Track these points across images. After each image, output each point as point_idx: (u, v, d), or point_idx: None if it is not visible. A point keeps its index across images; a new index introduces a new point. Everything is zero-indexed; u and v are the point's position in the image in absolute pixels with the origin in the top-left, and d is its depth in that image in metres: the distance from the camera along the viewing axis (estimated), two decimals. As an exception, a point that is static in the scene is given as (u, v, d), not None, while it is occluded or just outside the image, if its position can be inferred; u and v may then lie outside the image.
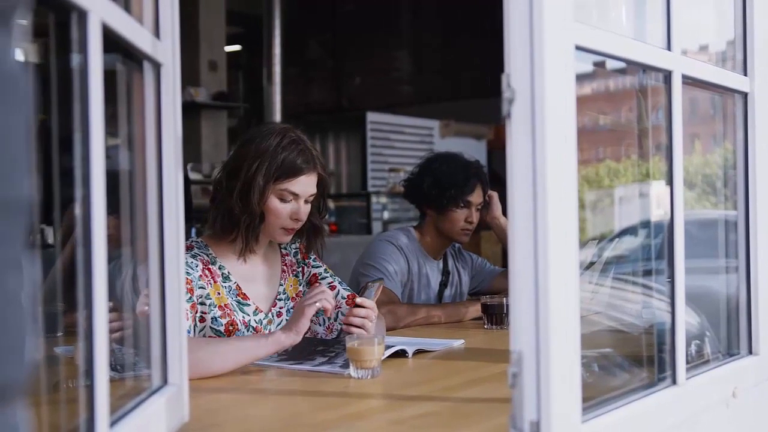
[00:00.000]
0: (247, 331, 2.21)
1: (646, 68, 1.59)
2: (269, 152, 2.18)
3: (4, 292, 0.54)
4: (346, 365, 1.93)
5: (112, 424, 1.08)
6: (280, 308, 2.33)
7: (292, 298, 2.37)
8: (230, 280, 2.24)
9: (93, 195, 1.01)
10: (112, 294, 1.07)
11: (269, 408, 1.71)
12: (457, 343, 2.38)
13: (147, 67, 1.35)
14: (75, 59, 1.02)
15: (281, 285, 2.36)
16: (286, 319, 2.30)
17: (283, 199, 2.21)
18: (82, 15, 1.00)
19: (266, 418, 1.64)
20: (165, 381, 1.38)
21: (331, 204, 7.91)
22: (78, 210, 1.01)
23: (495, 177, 5.74)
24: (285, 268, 2.39)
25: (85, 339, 1.01)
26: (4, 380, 0.56)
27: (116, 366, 1.36)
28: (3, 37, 0.55)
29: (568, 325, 1.22)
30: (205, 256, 2.22)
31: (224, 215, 2.22)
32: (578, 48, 1.27)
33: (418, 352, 2.21)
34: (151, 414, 1.26)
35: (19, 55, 0.59)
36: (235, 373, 1.94)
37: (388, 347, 2.05)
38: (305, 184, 2.23)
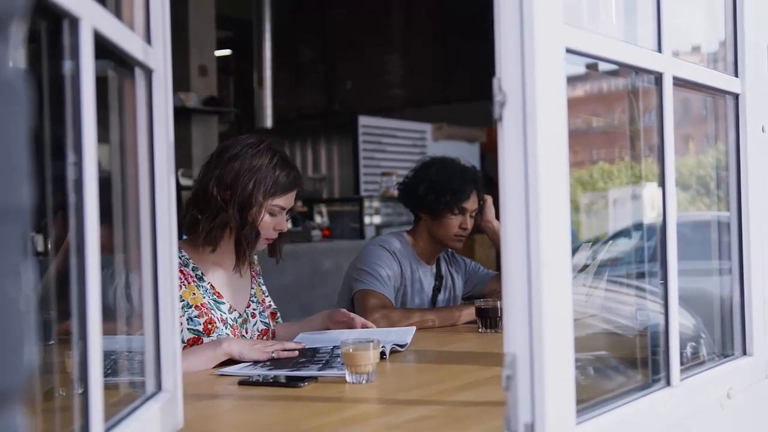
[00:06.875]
0: (226, 328, 2.29)
1: (636, 70, 1.59)
2: (263, 170, 2.28)
3: (4, 298, 0.54)
4: (344, 367, 1.92)
5: (107, 430, 1.08)
6: (253, 310, 2.45)
7: (261, 302, 2.49)
8: (204, 281, 2.32)
9: (86, 202, 1.01)
10: (105, 302, 1.07)
11: (264, 414, 1.71)
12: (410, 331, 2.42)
13: (138, 73, 1.34)
14: (66, 65, 1.01)
15: (252, 289, 2.48)
16: (260, 321, 2.44)
17: (272, 214, 2.32)
18: (74, 22, 1.00)
19: (261, 424, 1.64)
20: (159, 387, 1.38)
21: (324, 209, 7.90)
22: (71, 217, 1.01)
23: (488, 180, 5.73)
24: (254, 274, 2.51)
25: (79, 346, 1.01)
26: (5, 385, 0.56)
27: (108, 372, 1.36)
28: (1, 45, 0.55)
29: (561, 327, 1.22)
30: (177, 259, 2.25)
31: (219, 227, 2.28)
32: (569, 51, 1.27)
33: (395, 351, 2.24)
34: (146, 420, 1.26)
35: (17, 62, 0.59)
36: (230, 380, 1.93)
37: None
38: (293, 199, 2.37)
